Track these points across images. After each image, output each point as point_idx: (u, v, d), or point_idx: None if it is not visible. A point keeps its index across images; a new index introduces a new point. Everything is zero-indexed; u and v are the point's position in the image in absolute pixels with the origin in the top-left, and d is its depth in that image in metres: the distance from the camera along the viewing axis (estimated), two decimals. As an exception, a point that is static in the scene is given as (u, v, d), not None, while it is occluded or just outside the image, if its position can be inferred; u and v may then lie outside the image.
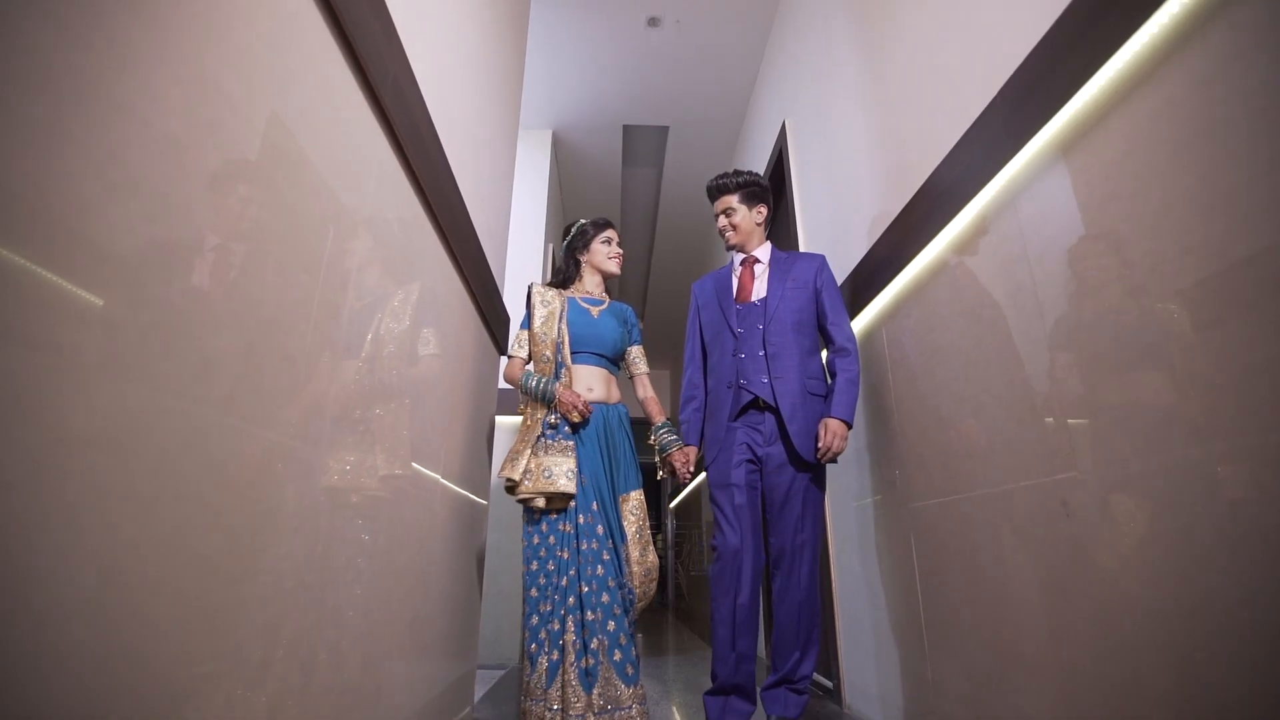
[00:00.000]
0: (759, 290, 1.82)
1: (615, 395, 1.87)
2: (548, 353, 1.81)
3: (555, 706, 1.52)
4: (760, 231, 1.89)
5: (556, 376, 1.79)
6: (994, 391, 1.21)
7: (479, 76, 1.91)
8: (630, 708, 1.54)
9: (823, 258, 1.83)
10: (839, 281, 1.92)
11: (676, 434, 1.87)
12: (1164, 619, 0.81)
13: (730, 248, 1.90)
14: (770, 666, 1.66)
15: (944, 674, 1.40)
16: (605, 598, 1.60)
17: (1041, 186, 1.08)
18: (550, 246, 3.87)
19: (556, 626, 1.59)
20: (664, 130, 4.10)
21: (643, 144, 4.25)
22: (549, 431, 1.72)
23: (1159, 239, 0.83)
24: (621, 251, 2.02)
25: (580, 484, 1.69)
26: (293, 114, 0.78)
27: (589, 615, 1.58)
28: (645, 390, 1.98)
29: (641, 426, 1.98)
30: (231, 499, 0.67)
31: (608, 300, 1.98)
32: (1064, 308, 1.02)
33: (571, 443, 1.71)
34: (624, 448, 1.81)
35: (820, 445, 1.59)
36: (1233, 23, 0.74)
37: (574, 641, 1.56)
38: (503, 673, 2.76)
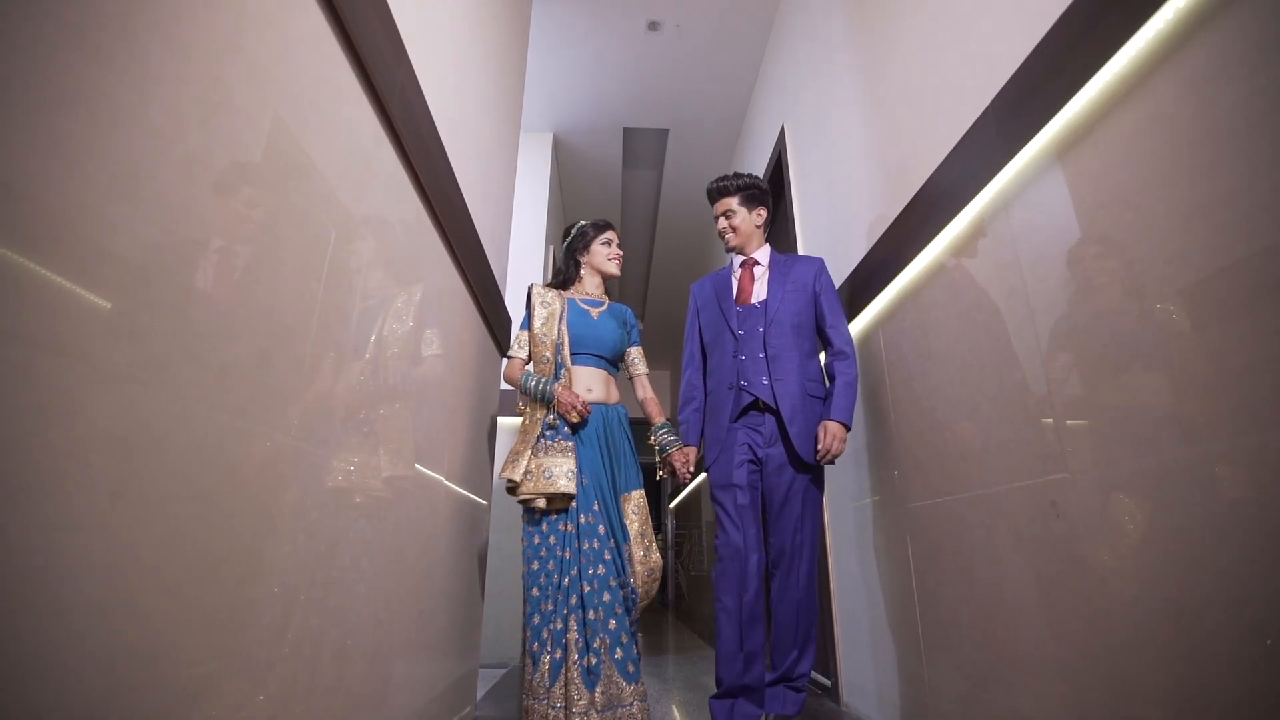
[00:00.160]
0: (759, 292, 1.83)
1: (615, 396, 1.89)
2: (547, 353, 1.83)
3: (559, 704, 1.54)
4: (760, 234, 1.90)
5: (556, 377, 1.80)
6: (988, 394, 1.24)
7: (481, 81, 1.93)
8: (631, 705, 1.56)
9: (821, 261, 1.85)
10: (837, 284, 1.94)
11: (676, 434, 1.88)
12: (1153, 617, 0.84)
13: (730, 250, 1.92)
14: (769, 665, 1.68)
15: (939, 672, 1.42)
16: (606, 596, 1.61)
17: (1033, 193, 1.10)
18: (551, 248, 3.89)
19: (559, 626, 1.61)
20: (664, 133, 4.12)
21: (643, 146, 4.28)
22: (548, 432, 1.73)
23: (1148, 246, 0.85)
24: (621, 253, 2.03)
25: (581, 484, 1.70)
26: (304, 125, 0.80)
27: (591, 614, 1.59)
28: (644, 391, 1.99)
29: (641, 427, 2.00)
30: (244, 500, 0.69)
31: (607, 302, 1.99)
32: (1055, 312, 1.04)
33: (571, 443, 1.72)
34: (624, 447, 1.83)
35: (819, 447, 1.61)
36: (1213, 41, 0.76)
37: (576, 640, 1.58)
38: (504, 671, 2.79)
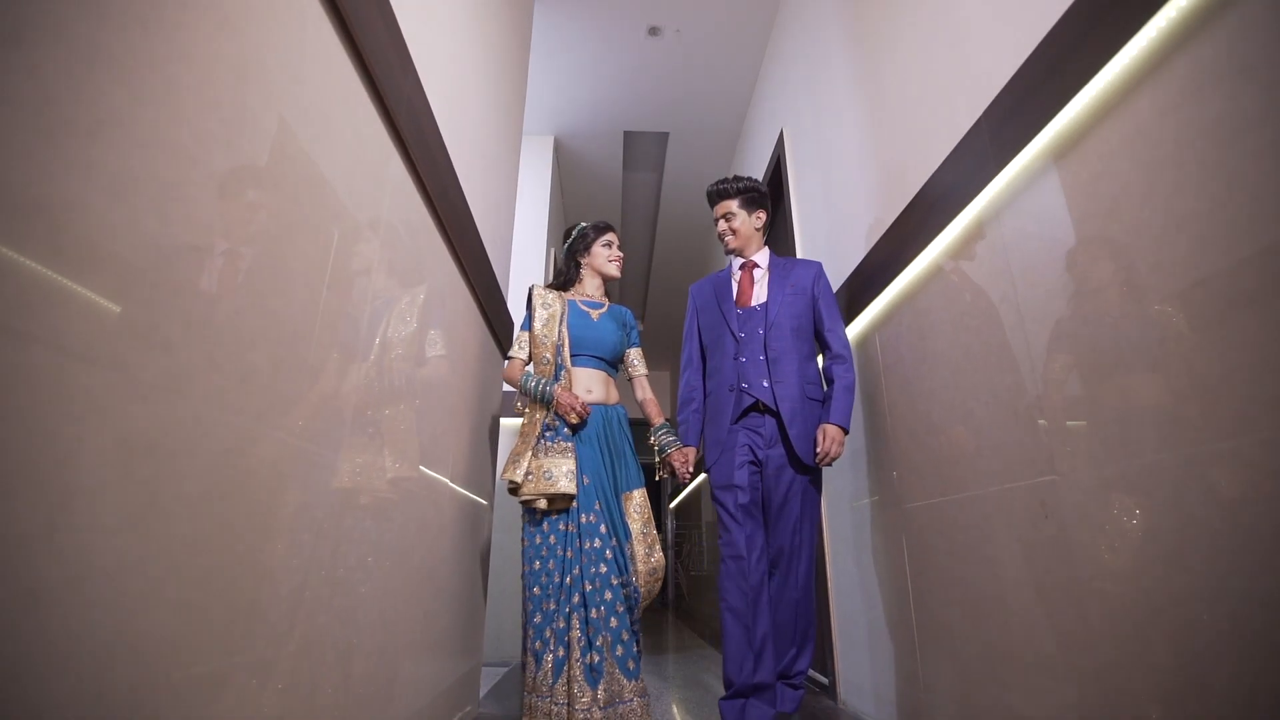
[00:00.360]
0: (759, 295, 1.85)
1: (614, 397, 1.91)
2: (547, 355, 1.84)
3: (561, 701, 1.57)
4: (759, 237, 1.92)
5: (556, 378, 1.82)
6: (981, 398, 1.27)
7: (484, 87, 1.96)
8: (631, 700, 1.58)
9: (819, 264, 1.88)
10: (835, 287, 1.97)
11: (675, 435, 1.90)
12: (1139, 614, 0.87)
13: (729, 252, 1.94)
14: (768, 663, 1.71)
15: (934, 670, 1.45)
16: (608, 595, 1.63)
17: (1024, 202, 1.13)
18: (552, 250, 3.92)
19: (562, 624, 1.62)
20: (664, 136, 4.16)
21: (643, 150, 4.31)
22: (548, 433, 1.74)
23: (1133, 255, 0.89)
24: (622, 255, 2.04)
25: (582, 483, 1.72)
26: (315, 138, 0.84)
27: (593, 613, 1.61)
28: (644, 392, 2.00)
29: (641, 428, 2.02)
30: (259, 501, 0.72)
31: (607, 303, 2.01)
32: (1044, 319, 1.07)
33: (571, 444, 1.73)
34: (624, 447, 1.84)
35: (818, 450, 1.64)
36: (1191, 61, 0.80)
37: (579, 639, 1.60)
38: (506, 670, 2.82)
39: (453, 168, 1.50)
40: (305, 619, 0.83)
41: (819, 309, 1.80)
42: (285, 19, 0.76)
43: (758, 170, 3.41)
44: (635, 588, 1.69)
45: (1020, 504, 1.12)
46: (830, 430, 1.64)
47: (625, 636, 1.63)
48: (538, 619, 1.65)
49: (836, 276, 2.05)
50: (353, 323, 0.99)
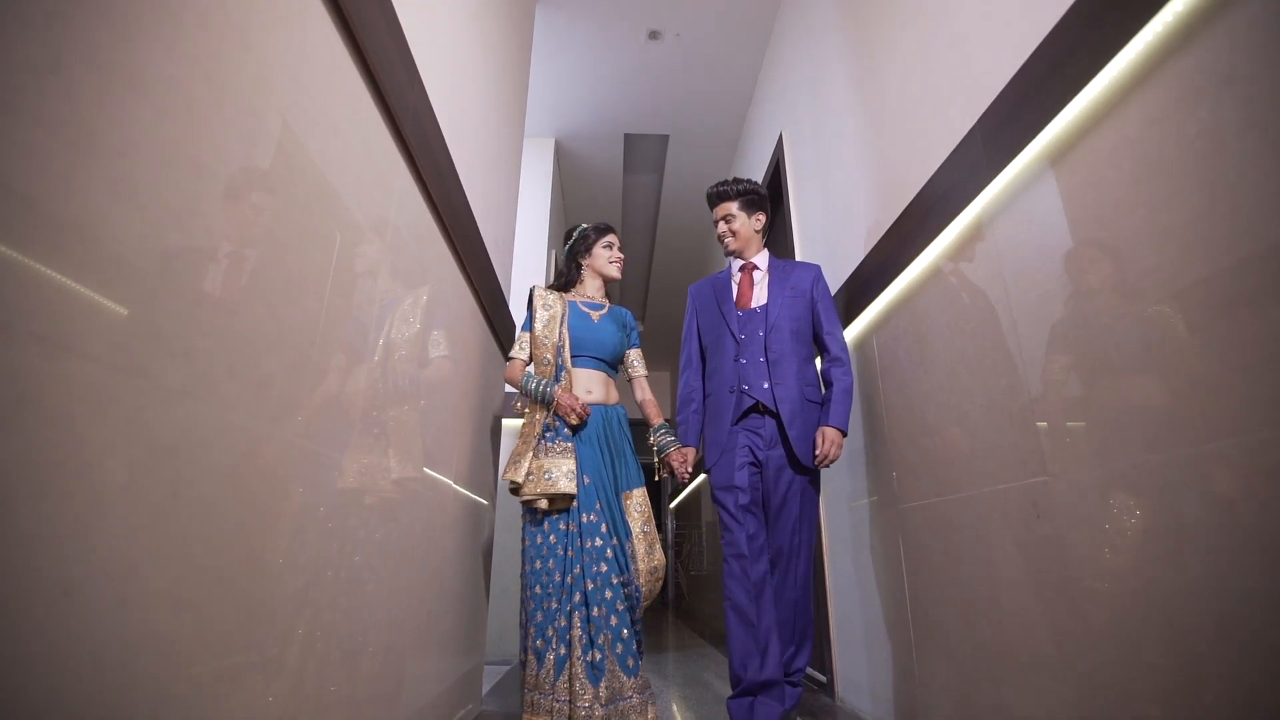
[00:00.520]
0: (759, 297, 1.87)
1: (614, 397, 1.92)
2: (548, 355, 1.86)
3: (563, 698, 1.59)
4: (758, 239, 1.94)
5: (556, 379, 1.83)
6: (976, 400, 1.29)
7: (487, 91, 1.99)
8: (631, 697, 1.60)
9: (818, 267, 1.90)
10: (833, 290, 1.99)
11: (674, 435, 1.92)
12: (1127, 612, 0.89)
13: (729, 253, 1.95)
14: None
15: (929, 667, 1.48)
16: (609, 594, 1.65)
17: (1016, 210, 1.16)
18: (553, 252, 3.95)
19: (563, 623, 1.64)
20: (664, 139, 4.18)
21: (644, 152, 4.34)
22: (548, 434, 1.76)
23: (1120, 263, 0.91)
24: (622, 256, 2.05)
25: (582, 483, 1.73)
26: (325, 149, 0.86)
27: (595, 611, 1.63)
28: (643, 393, 2.02)
29: (640, 428, 2.04)
30: (274, 501, 0.75)
31: (608, 305, 2.02)
32: (1035, 323, 1.10)
33: (571, 444, 1.75)
34: (624, 447, 1.86)
35: (817, 453, 1.66)
36: (1175, 74, 0.82)
37: (580, 637, 1.62)
38: (507, 668, 2.84)
39: (456, 171, 1.52)
40: (311, 617, 0.86)
41: (817, 312, 1.82)
42: (299, 40, 0.78)
43: (757, 173, 3.43)
44: (636, 586, 1.70)
45: (1014, 504, 1.15)
46: (829, 433, 1.67)
47: (625, 634, 1.65)
48: (539, 617, 1.67)
49: (835, 279, 2.07)
50: (360, 327, 1.01)
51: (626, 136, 4.14)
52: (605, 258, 2.02)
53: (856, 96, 2.04)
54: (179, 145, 0.56)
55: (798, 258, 2.67)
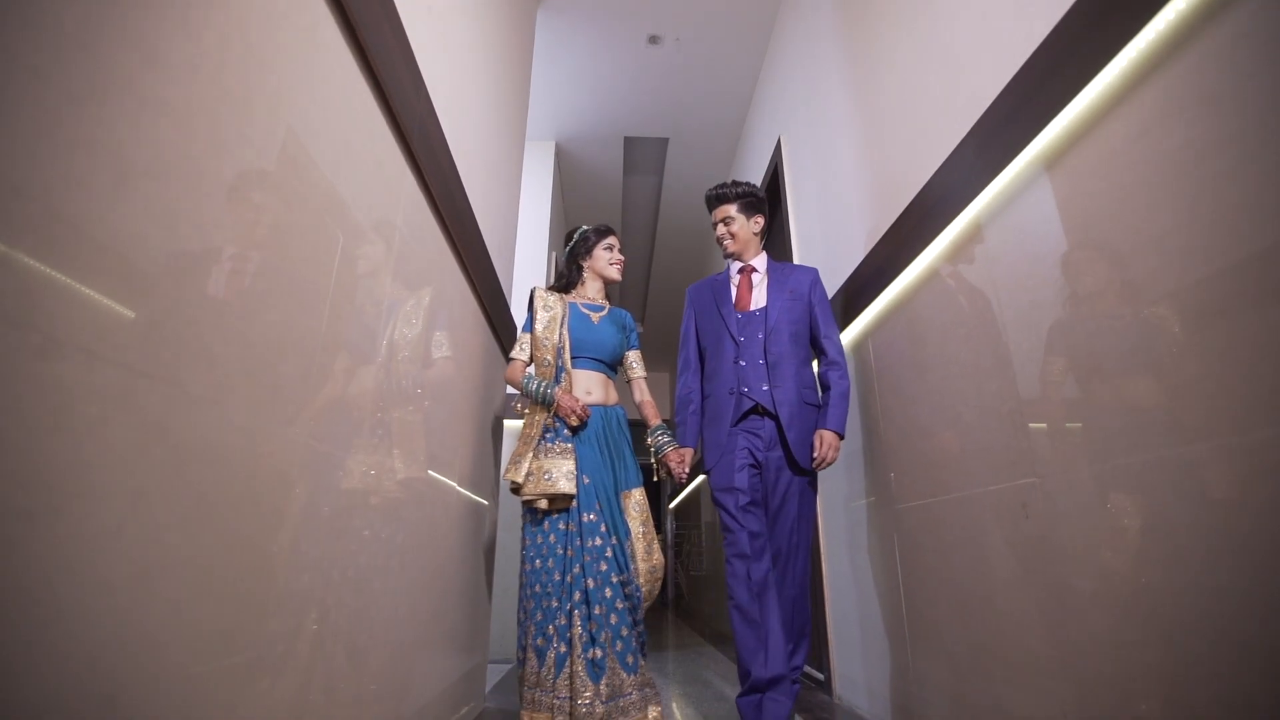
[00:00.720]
0: (758, 299, 1.89)
1: (614, 398, 1.94)
2: (548, 357, 1.88)
3: (564, 695, 1.61)
4: (757, 241, 1.95)
5: (557, 380, 1.86)
6: (968, 403, 1.32)
7: (489, 93, 2.01)
8: (631, 694, 1.63)
9: (816, 271, 1.92)
10: (830, 294, 2.02)
11: (671, 435, 1.93)
12: (1112, 609, 0.92)
13: (728, 256, 1.97)
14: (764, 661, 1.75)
15: (924, 664, 1.51)
16: (609, 592, 1.68)
17: (1006, 218, 1.19)
18: (553, 254, 3.98)
19: (563, 621, 1.66)
20: (664, 142, 4.21)
21: (643, 155, 4.37)
22: (548, 435, 1.78)
23: (1108, 270, 0.94)
24: (623, 258, 2.07)
25: (582, 483, 1.75)
26: (337, 162, 0.89)
27: (595, 609, 1.65)
28: (642, 394, 2.03)
29: (639, 429, 2.06)
30: (289, 503, 0.78)
31: (608, 306, 2.04)
32: (1023, 329, 1.13)
33: (570, 445, 1.77)
34: (623, 447, 1.88)
35: (815, 455, 1.69)
36: (1163, 86, 0.85)
37: (580, 635, 1.64)
38: (509, 667, 2.87)
39: (459, 175, 1.55)
40: (320, 616, 0.88)
41: (815, 315, 1.84)
42: (315, 59, 0.81)
43: (756, 176, 3.46)
44: (636, 586, 1.72)
45: (1004, 504, 1.18)
46: (827, 437, 1.69)
47: (625, 632, 1.67)
48: (539, 616, 1.69)
49: (832, 282, 2.10)
50: (370, 333, 1.04)
51: (626, 139, 4.17)
52: (605, 259, 2.03)
53: (854, 102, 2.07)
54: (204, 165, 0.59)
55: (796, 261, 2.70)
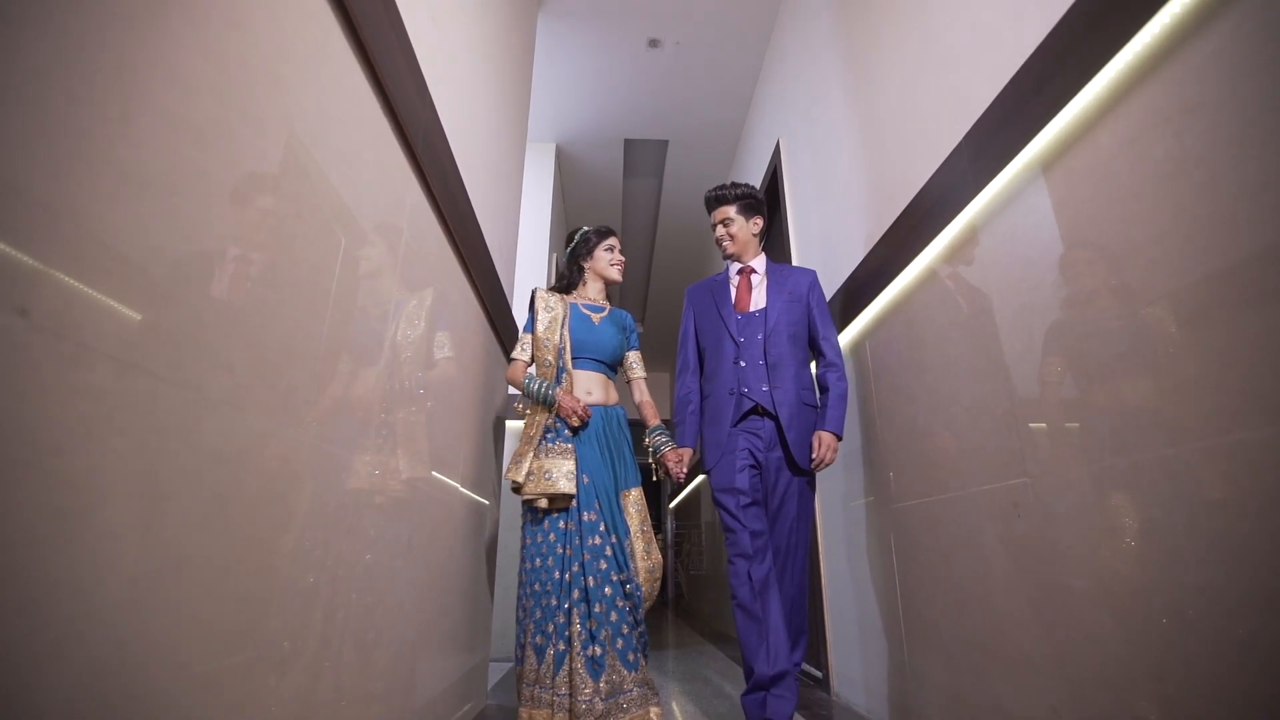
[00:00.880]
0: (757, 300, 1.90)
1: (614, 398, 1.96)
2: (549, 357, 1.89)
3: (563, 691, 1.63)
4: (756, 243, 1.97)
5: (558, 380, 1.87)
6: (963, 404, 1.34)
7: (490, 96, 2.03)
8: (631, 691, 1.65)
9: (814, 273, 1.94)
10: (828, 296, 2.04)
11: (669, 436, 1.95)
12: (1102, 607, 0.94)
13: (727, 257, 1.98)
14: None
15: (920, 661, 1.53)
16: (608, 590, 1.70)
17: (999, 224, 1.21)
18: (554, 255, 4.00)
19: (562, 619, 1.68)
20: (664, 144, 4.23)
21: (643, 157, 4.39)
22: (548, 435, 1.80)
23: (1101, 274, 0.96)
24: (623, 259, 2.08)
25: (582, 483, 1.77)
26: (347, 178, 0.91)
27: (595, 608, 1.67)
28: (641, 394, 2.05)
29: (638, 429, 2.08)
30: (299, 503, 0.80)
31: (608, 307, 2.06)
32: (1017, 332, 1.15)
33: (571, 445, 1.79)
34: (623, 447, 1.90)
35: (814, 456, 1.71)
36: (1150, 96, 0.87)
37: (580, 633, 1.66)
38: (511, 665, 2.89)
39: (461, 179, 1.57)
40: (328, 615, 0.90)
41: (813, 317, 1.86)
42: (324, 76, 0.83)
43: (755, 179, 3.48)
44: (636, 585, 1.74)
45: (997, 504, 1.20)
46: (825, 438, 1.71)
47: (625, 630, 1.69)
48: (538, 614, 1.71)
49: (831, 284, 2.12)
50: (375, 335, 1.06)
51: (626, 142, 4.19)
52: (606, 260, 2.05)
53: (852, 105, 2.09)
54: (219, 177, 0.62)
55: (795, 262, 2.72)
